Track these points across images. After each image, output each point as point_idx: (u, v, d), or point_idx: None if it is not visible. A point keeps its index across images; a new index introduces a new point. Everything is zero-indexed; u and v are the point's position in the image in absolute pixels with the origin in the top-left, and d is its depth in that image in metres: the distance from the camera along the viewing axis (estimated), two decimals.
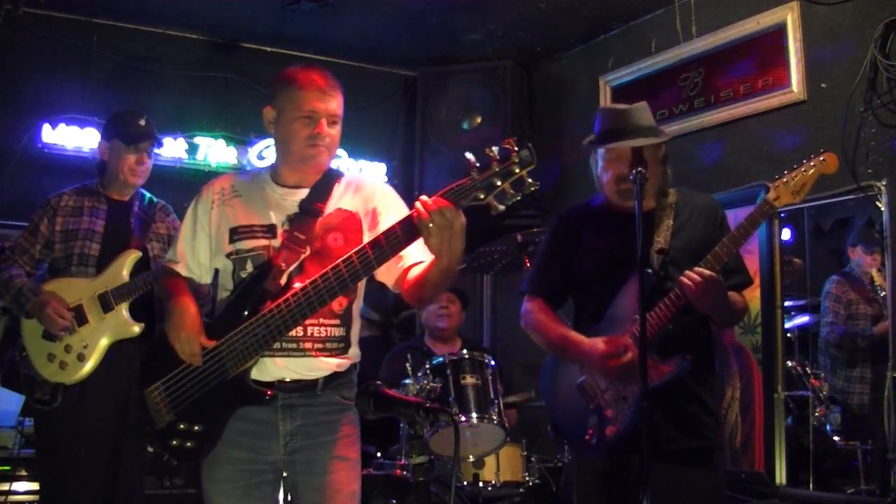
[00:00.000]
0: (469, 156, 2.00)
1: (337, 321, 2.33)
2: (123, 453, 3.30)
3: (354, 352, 2.41)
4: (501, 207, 2.01)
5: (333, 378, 2.34)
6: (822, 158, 2.58)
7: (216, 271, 2.44)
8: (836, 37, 4.02)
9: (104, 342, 3.28)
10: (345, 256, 2.14)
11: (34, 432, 3.48)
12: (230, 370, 2.23)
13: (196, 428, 2.29)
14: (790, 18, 4.17)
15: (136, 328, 3.32)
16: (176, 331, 2.27)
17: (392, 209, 2.38)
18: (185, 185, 5.11)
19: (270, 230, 2.34)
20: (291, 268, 2.27)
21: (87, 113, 4.92)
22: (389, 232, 2.10)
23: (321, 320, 2.29)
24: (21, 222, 3.53)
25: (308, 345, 2.28)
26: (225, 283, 2.38)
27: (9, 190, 4.76)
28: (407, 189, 5.67)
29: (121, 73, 5.16)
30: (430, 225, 1.98)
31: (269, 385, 2.27)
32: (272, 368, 2.27)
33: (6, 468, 3.97)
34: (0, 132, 4.85)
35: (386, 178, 5.79)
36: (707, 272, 2.53)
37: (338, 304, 2.32)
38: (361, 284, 2.39)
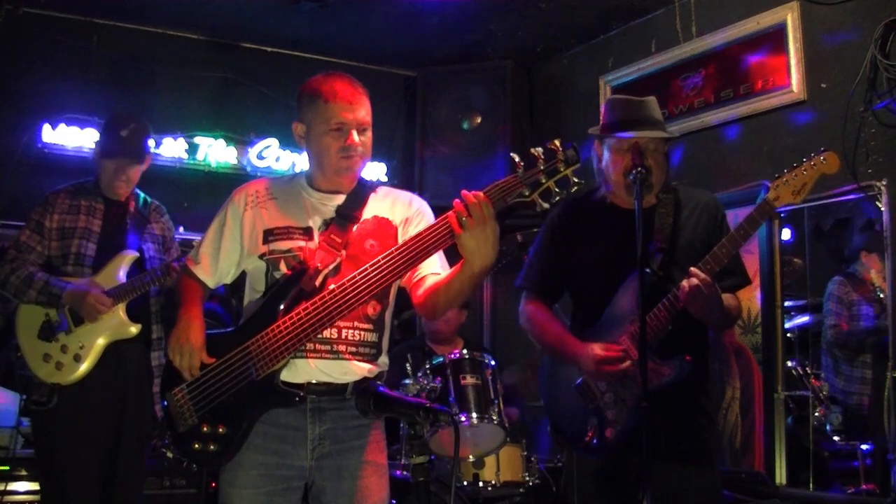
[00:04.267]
0: (514, 155, 2.09)
1: (370, 326, 2.32)
2: (122, 453, 3.30)
3: (384, 360, 2.40)
4: (546, 205, 2.09)
5: (363, 383, 2.30)
6: (822, 158, 2.53)
7: (243, 275, 2.42)
8: (836, 37, 4.02)
9: (101, 343, 3.27)
10: (381, 255, 2.16)
11: (32, 433, 3.48)
12: (260, 370, 2.19)
13: (221, 430, 2.23)
14: (790, 18, 4.17)
15: (133, 329, 3.31)
16: (179, 342, 2.26)
17: (426, 219, 2.40)
18: (185, 185, 5.13)
19: (307, 232, 2.33)
20: (327, 269, 2.26)
21: (87, 113, 4.92)
22: (423, 233, 2.14)
23: (356, 324, 2.28)
24: (21, 222, 3.52)
25: (342, 347, 2.26)
26: (255, 284, 2.36)
27: (9, 190, 4.75)
28: (407, 189, 5.65)
29: (121, 73, 5.16)
30: (467, 218, 2.02)
31: (300, 387, 2.24)
32: (304, 370, 2.24)
33: (5, 468, 3.96)
34: (0, 132, 4.85)
35: (386, 178, 5.79)
36: (702, 275, 2.48)
37: (372, 309, 2.32)
38: (393, 293, 2.41)
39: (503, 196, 2.06)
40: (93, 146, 3.85)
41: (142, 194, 3.59)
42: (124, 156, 3.41)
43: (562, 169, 2.06)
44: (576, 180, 2.09)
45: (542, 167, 2.06)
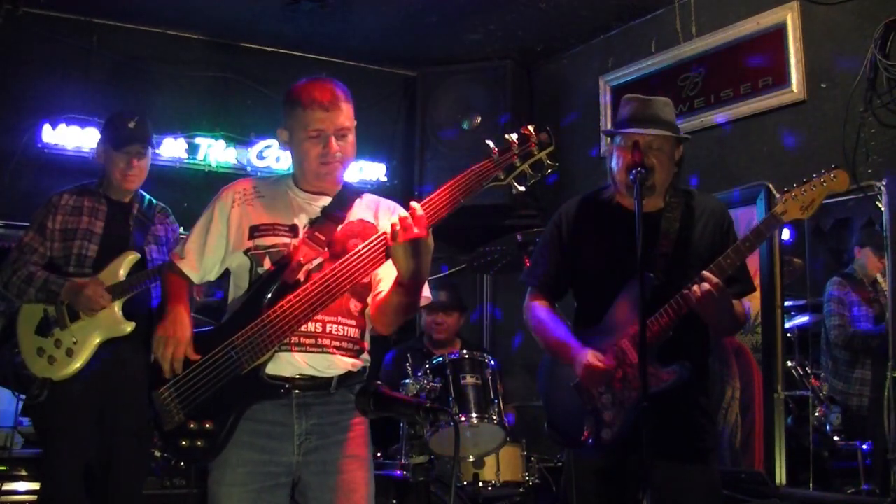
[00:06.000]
0: (489, 142, 2.14)
1: (353, 322, 2.36)
2: (120, 454, 3.29)
3: (366, 357, 2.45)
4: (521, 188, 2.15)
5: (347, 377, 2.35)
6: (832, 175, 2.52)
7: (228, 273, 2.45)
8: (836, 37, 4.02)
9: (95, 340, 3.27)
10: (362, 245, 2.21)
11: (33, 430, 3.48)
12: (245, 364, 2.22)
13: (207, 426, 2.25)
14: (790, 18, 4.17)
15: (128, 327, 3.31)
16: (165, 333, 2.28)
17: None
18: (185, 185, 5.13)
19: (293, 230, 2.37)
20: (310, 265, 2.30)
21: (87, 113, 4.92)
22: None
23: (339, 318, 2.32)
24: (21, 223, 3.52)
25: (326, 341, 2.30)
26: (239, 281, 2.39)
27: (9, 190, 4.76)
28: (407, 189, 5.67)
29: (121, 73, 5.16)
30: (399, 230, 2.08)
31: (286, 380, 2.27)
32: (289, 363, 2.27)
33: (4, 468, 3.96)
34: (0, 132, 4.85)
35: (386, 178, 5.80)
36: (715, 280, 2.49)
37: (354, 306, 2.36)
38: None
39: (479, 180, 2.12)
40: (93, 146, 3.84)
41: (147, 196, 3.58)
42: (136, 142, 3.41)
43: (535, 152, 2.12)
44: (550, 163, 2.15)
45: (516, 151, 2.12)
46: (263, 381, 2.24)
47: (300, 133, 2.35)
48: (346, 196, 2.46)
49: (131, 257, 3.37)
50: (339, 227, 2.38)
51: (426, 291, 2.38)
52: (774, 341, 4.12)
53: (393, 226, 2.10)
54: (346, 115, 2.37)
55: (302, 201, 2.43)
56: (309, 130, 2.33)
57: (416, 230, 2.07)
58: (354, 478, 2.34)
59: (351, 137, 2.40)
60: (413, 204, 2.12)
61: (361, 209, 2.46)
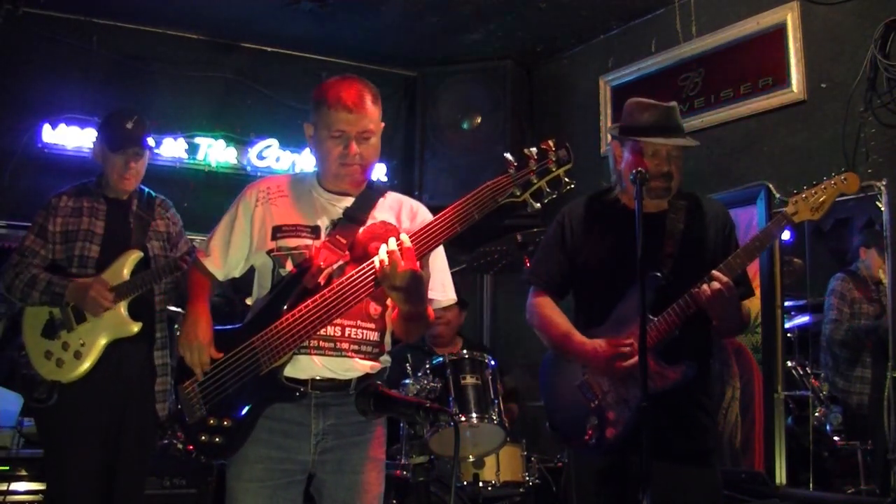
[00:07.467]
0: (507, 155, 2.12)
1: (373, 325, 2.37)
2: (123, 452, 3.30)
3: (386, 359, 2.46)
4: (537, 205, 2.14)
5: (365, 379, 2.36)
6: (843, 178, 2.56)
7: (252, 270, 2.47)
8: (836, 37, 4.02)
9: (102, 341, 3.26)
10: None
11: (36, 432, 3.47)
12: (264, 366, 2.24)
13: (226, 423, 2.29)
14: (790, 18, 4.17)
15: (134, 327, 3.30)
16: (188, 338, 2.33)
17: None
18: (185, 185, 5.13)
19: (315, 231, 2.37)
20: (331, 269, 2.30)
21: (87, 113, 4.93)
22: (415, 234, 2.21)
23: (358, 322, 2.33)
24: (21, 222, 3.51)
25: (345, 345, 2.31)
26: (263, 281, 2.41)
27: (9, 190, 4.76)
28: (407, 189, 5.66)
29: (121, 73, 5.16)
30: (386, 266, 2.10)
31: (303, 383, 2.29)
32: (307, 366, 2.29)
33: (5, 468, 3.96)
34: (0, 132, 4.86)
35: (386, 178, 5.80)
36: (725, 279, 2.52)
37: (374, 309, 2.37)
38: None
39: (494, 196, 2.10)
40: (92, 146, 3.83)
41: (146, 189, 3.57)
42: (133, 145, 3.39)
43: (553, 169, 2.09)
44: (567, 181, 2.11)
45: (533, 167, 2.09)
46: (281, 382, 2.26)
47: (323, 132, 2.36)
48: (370, 196, 2.46)
49: (134, 256, 3.36)
50: (361, 230, 2.38)
51: (450, 293, 2.43)
52: (774, 341, 4.13)
53: (381, 262, 2.12)
54: (370, 117, 2.37)
55: (325, 202, 2.43)
56: (332, 130, 2.34)
57: (402, 265, 2.09)
58: (368, 478, 2.37)
59: (374, 140, 2.40)
60: (402, 236, 2.13)
61: (384, 210, 2.47)
